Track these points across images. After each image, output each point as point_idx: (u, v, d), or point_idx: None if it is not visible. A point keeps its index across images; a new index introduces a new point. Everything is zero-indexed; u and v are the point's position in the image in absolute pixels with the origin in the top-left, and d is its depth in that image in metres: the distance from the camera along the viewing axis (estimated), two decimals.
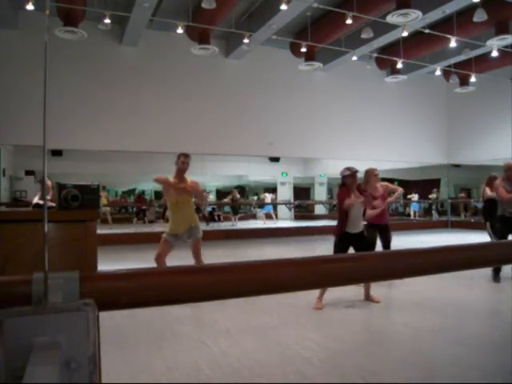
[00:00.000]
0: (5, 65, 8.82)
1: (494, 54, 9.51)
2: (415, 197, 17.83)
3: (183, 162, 4.61)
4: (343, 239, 4.42)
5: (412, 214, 18.09)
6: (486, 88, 12.05)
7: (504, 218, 5.40)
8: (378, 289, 4.91)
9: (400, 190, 5.76)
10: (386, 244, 5.53)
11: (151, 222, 17.19)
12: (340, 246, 4.42)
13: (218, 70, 10.96)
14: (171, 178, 4.61)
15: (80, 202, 1.49)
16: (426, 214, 18.05)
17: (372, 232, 5.47)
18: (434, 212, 17.20)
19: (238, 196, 16.97)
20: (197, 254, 4.58)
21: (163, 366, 2.81)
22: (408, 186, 21.76)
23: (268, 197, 18.63)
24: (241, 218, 19.52)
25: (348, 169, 4.44)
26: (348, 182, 4.43)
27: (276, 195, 19.84)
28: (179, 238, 4.52)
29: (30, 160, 12.88)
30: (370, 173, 5.58)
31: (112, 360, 2.82)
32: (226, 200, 17.41)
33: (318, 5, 8.28)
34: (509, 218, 5.36)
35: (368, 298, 4.51)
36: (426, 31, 9.11)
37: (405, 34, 8.86)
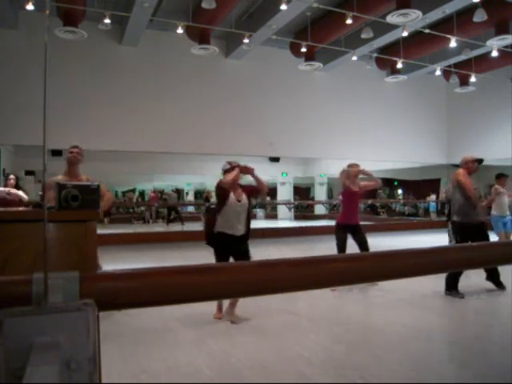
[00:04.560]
0: (5, 65, 8.82)
1: (494, 54, 9.52)
2: (433, 197, 17.02)
3: (71, 151, 3.93)
4: (218, 241, 3.81)
5: (431, 215, 16.98)
6: (486, 88, 12.05)
7: (470, 226, 4.59)
8: (374, 288, 4.91)
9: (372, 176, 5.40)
10: (362, 245, 5.13)
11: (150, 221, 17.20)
12: (216, 251, 3.83)
13: (218, 70, 10.96)
14: (62, 175, 3.92)
15: (80, 201, 1.49)
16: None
17: (341, 234, 5.15)
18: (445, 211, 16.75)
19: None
20: None
21: (163, 366, 2.81)
22: (408, 185, 21.77)
23: None
24: None
25: (229, 162, 3.91)
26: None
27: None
28: None
29: (30, 160, 12.88)
30: (349, 167, 5.36)
31: (112, 360, 2.82)
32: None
33: (318, 5, 8.28)
34: (476, 224, 4.59)
35: (230, 312, 3.81)
36: (426, 31, 9.12)
37: (405, 33, 8.87)
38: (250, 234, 3.98)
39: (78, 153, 3.95)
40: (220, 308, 3.90)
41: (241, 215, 3.83)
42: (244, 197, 3.86)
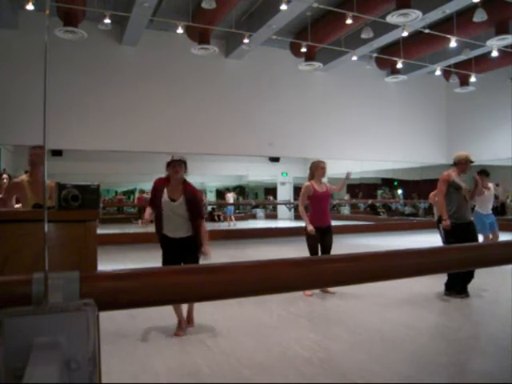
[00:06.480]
0: (5, 65, 8.82)
1: (494, 54, 9.52)
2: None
3: (35, 152, 3.75)
4: (163, 245, 3.53)
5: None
6: (486, 88, 12.05)
7: (458, 226, 4.55)
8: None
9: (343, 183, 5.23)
10: (326, 250, 4.86)
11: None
12: (164, 256, 3.52)
13: (218, 70, 10.96)
14: (26, 176, 3.81)
15: (80, 202, 1.49)
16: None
17: (314, 237, 4.81)
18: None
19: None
20: None
21: (163, 366, 2.81)
22: (408, 185, 21.74)
23: (229, 197, 17.29)
24: (241, 218, 19.50)
25: (172, 156, 3.54)
26: (168, 171, 3.53)
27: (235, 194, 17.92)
28: None
29: None
30: (315, 165, 4.94)
31: (112, 360, 2.82)
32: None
33: (318, 5, 8.28)
34: (462, 224, 4.58)
35: (189, 320, 3.69)
36: (426, 31, 9.12)
37: (405, 34, 8.87)
38: (198, 241, 3.49)
39: (38, 154, 3.77)
40: (181, 323, 3.55)
41: (177, 215, 3.44)
42: (183, 196, 3.45)
